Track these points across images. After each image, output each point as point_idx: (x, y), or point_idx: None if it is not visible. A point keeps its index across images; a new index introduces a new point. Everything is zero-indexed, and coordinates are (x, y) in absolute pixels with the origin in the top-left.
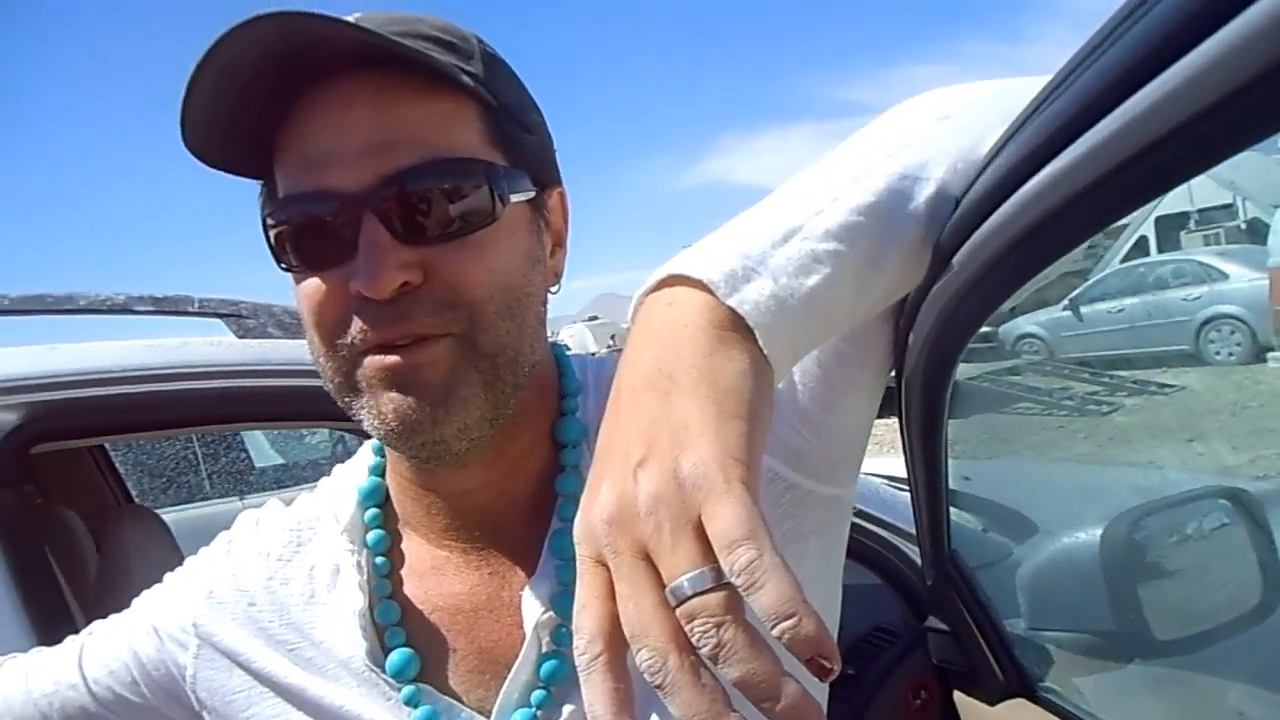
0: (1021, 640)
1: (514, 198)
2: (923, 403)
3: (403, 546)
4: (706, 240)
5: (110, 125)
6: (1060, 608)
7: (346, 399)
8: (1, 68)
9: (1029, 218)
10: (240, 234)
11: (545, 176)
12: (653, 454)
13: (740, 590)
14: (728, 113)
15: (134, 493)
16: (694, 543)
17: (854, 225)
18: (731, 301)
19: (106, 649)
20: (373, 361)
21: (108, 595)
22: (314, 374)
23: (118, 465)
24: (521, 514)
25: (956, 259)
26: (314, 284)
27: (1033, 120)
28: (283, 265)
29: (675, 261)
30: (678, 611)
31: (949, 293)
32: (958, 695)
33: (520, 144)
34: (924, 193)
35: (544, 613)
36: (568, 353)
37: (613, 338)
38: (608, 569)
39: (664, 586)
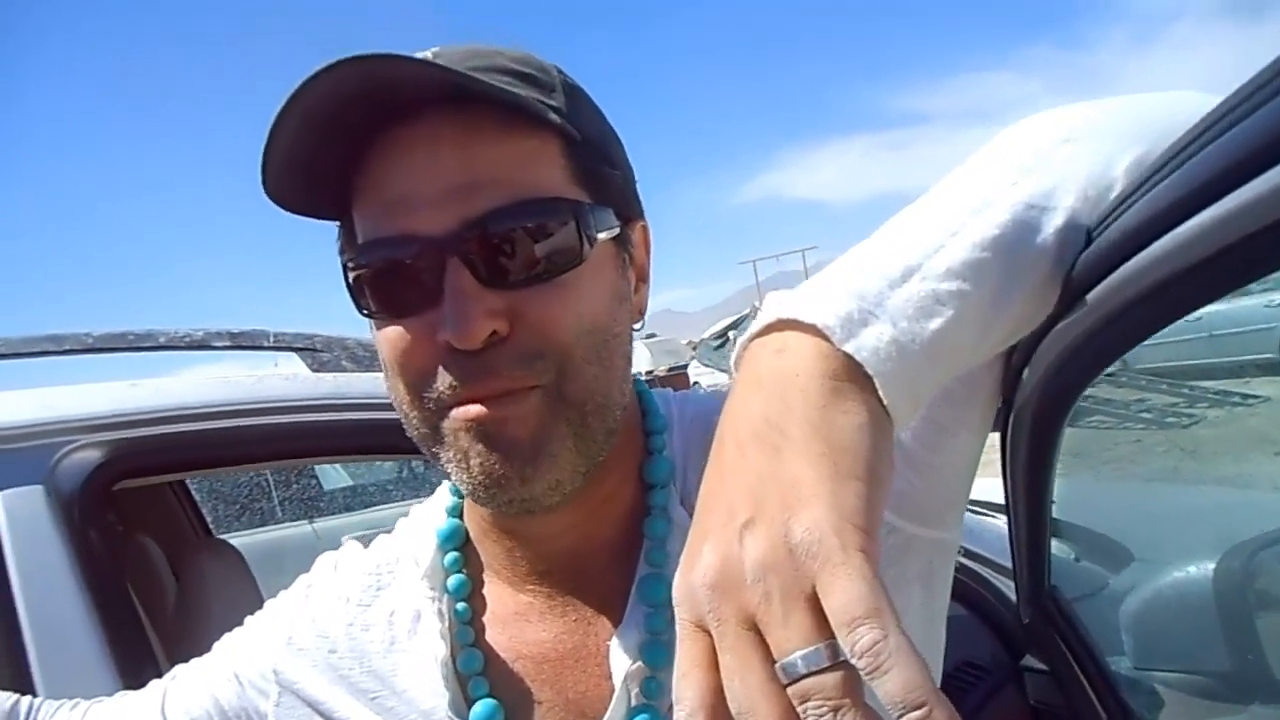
0: (1128, 681)
1: (600, 235)
2: (1032, 439)
3: (484, 592)
4: (814, 280)
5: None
6: (1171, 645)
7: (434, 450)
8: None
9: (1199, 252)
10: (312, 265)
11: (628, 210)
12: (760, 515)
13: (863, 673)
14: (784, 126)
15: (209, 520)
16: (807, 615)
17: (978, 261)
18: (848, 347)
19: (189, 695)
20: (459, 413)
21: (186, 628)
22: (388, 406)
23: (193, 493)
24: (608, 558)
25: (1092, 295)
26: (398, 332)
27: (1205, 145)
28: (363, 310)
29: (783, 305)
30: (789, 690)
31: (1079, 329)
32: None
33: (604, 179)
34: (1052, 223)
35: (633, 663)
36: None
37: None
38: (709, 635)
39: (773, 660)
